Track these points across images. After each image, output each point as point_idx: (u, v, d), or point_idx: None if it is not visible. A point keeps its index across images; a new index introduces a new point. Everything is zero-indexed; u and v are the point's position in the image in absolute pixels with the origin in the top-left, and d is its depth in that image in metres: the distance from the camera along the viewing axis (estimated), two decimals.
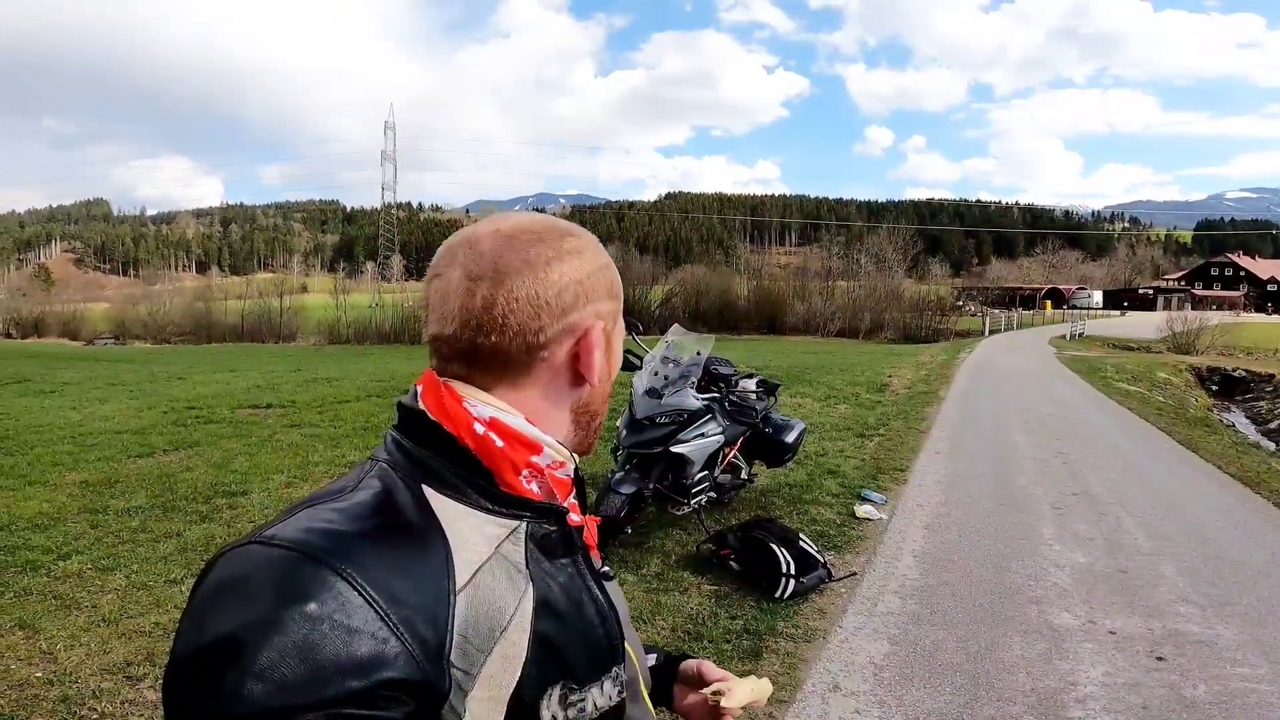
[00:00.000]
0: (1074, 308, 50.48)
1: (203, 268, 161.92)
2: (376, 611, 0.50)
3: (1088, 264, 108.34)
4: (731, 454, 4.66)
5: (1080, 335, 28.40)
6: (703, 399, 4.32)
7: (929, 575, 3.95)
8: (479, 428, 0.59)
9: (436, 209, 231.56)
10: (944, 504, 5.32)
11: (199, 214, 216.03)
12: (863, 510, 4.92)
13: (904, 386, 12.39)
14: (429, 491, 0.58)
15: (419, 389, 0.63)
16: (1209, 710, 2.70)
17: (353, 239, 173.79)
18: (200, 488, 5.10)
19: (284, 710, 0.46)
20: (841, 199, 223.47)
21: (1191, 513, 5.26)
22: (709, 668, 0.78)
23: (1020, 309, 46.95)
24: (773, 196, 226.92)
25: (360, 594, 0.49)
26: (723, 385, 4.77)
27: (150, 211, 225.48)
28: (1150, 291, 73.79)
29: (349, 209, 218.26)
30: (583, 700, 0.59)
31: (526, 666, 0.55)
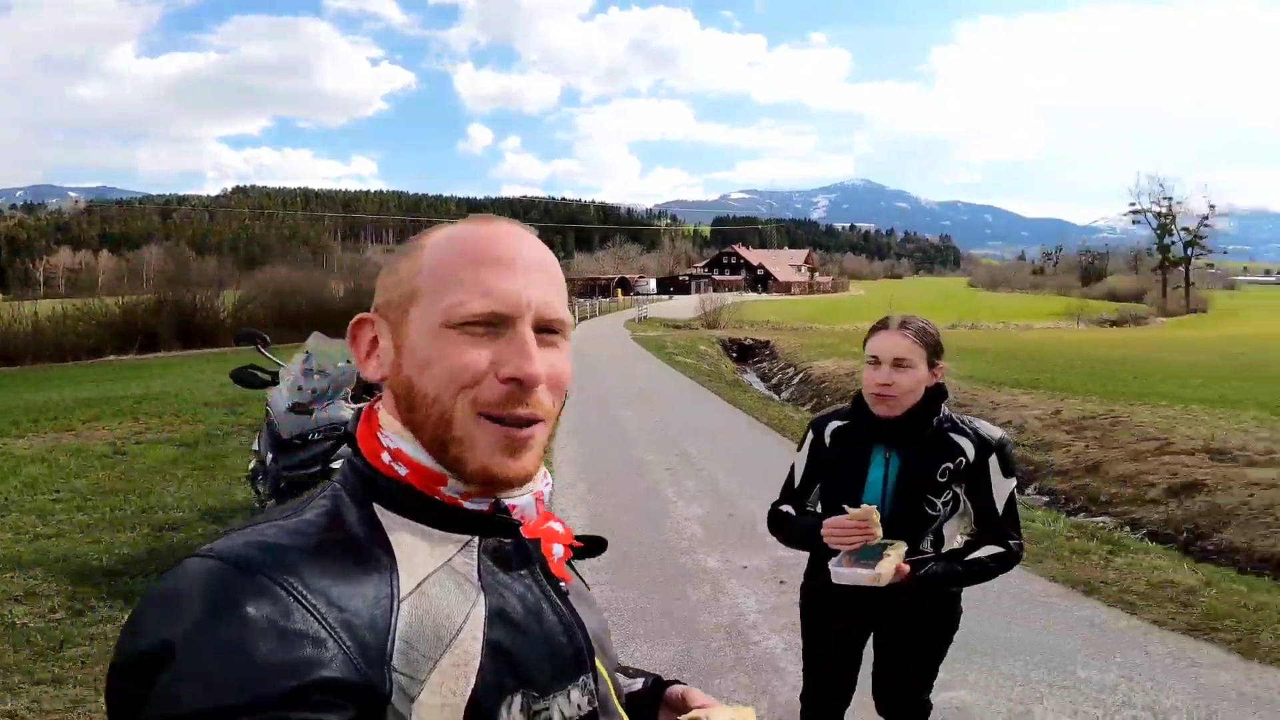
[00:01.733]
0: (638, 294, 60.66)
1: None
2: (313, 616, 0.50)
3: (644, 256, 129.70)
4: None
5: (645, 318, 34.23)
6: (360, 408, 4.29)
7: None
8: (385, 457, 0.62)
9: None
10: (589, 480, 6.20)
11: None
12: None
13: None
14: (379, 509, 0.60)
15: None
16: None
17: None
18: None
19: (219, 711, 0.46)
20: (442, 195, 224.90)
21: (755, 458, 6.97)
22: (694, 694, 0.78)
23: (600, 297, 54.34)
24: (369, 192, 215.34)
25: (296, 599, 0.51)
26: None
27: None
28: (687, 278, 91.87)
29: None
30: (547, 710, 0.59)
31: (482, 674, 0.56)
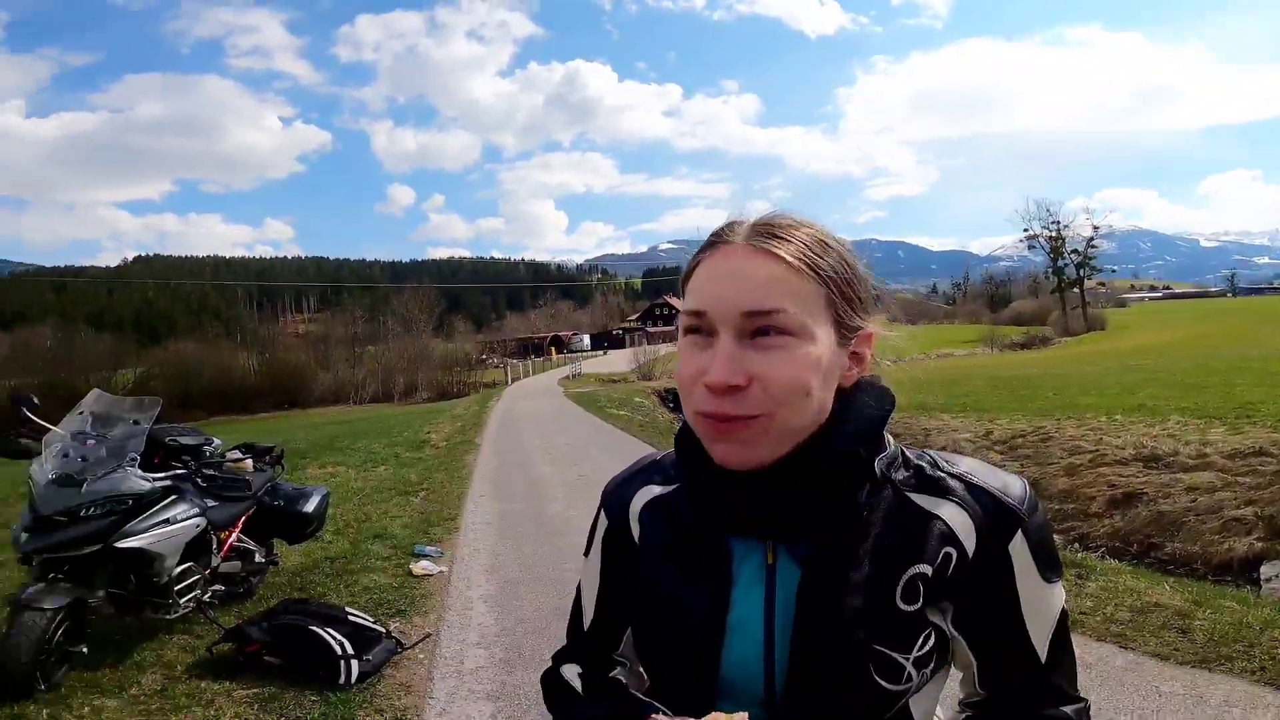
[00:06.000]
0: (572, 351, 60.31)
1: None
2: None
3: (577, 312, 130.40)
4: (232, 538, 4.02)
5: (579, 375, 34.05)
6: (159, 478, 3.55)
7: (505, 618, 4.00)
8: None
9: None
10: (498, 543, 5.64)
11: None
12: (419, 567, 4.95)
13: (443, 440, 12.87)
14: None
15: None
16: None
17: None
18: None
19: None
20: (365, 260, 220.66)
21: None
22: None
23: (534, 356, 53.70)
24: (285, 259, 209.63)
25: None
26: (189, 458, 3.98)
27: None
28: (620, 332, 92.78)
29: None
30: None
31: None
